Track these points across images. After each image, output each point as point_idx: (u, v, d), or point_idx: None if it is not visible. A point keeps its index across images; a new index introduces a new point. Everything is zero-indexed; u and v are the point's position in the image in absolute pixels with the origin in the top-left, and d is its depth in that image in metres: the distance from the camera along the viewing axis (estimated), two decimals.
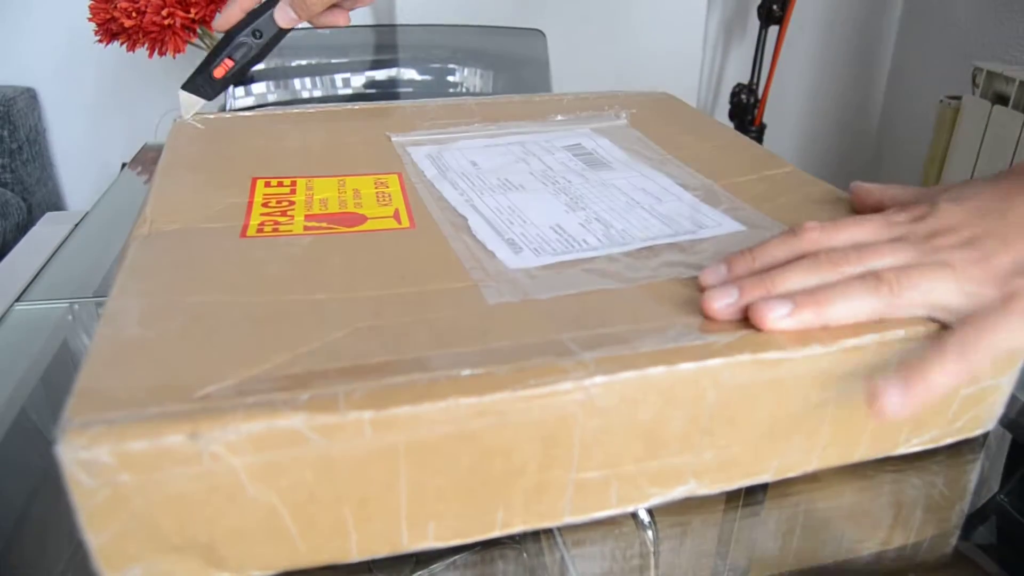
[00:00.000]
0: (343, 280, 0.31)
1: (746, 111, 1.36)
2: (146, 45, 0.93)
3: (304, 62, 0.81)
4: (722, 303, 0.28)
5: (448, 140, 0.48)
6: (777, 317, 0.27)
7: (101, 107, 1.30)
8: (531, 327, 0.28)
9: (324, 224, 0.36)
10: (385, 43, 0.87)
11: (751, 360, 0.27)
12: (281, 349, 0.26)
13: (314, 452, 0.23)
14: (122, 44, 0.95)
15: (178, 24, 0.91)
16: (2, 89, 1.22)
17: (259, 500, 0.24)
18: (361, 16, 1.22)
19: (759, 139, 1.36)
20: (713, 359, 0.26)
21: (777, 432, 0.29)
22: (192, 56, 1.08)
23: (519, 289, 0.31)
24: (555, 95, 0.58)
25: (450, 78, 0.85)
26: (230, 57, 0.49)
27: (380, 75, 0.83)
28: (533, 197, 0.40)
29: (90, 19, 0.94)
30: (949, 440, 0.33)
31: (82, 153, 1.33)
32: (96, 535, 0.23)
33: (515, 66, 0.86)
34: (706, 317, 0.29)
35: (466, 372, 0.25)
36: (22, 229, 1.14)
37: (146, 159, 0.74)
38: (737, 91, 1.38)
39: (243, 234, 0.35)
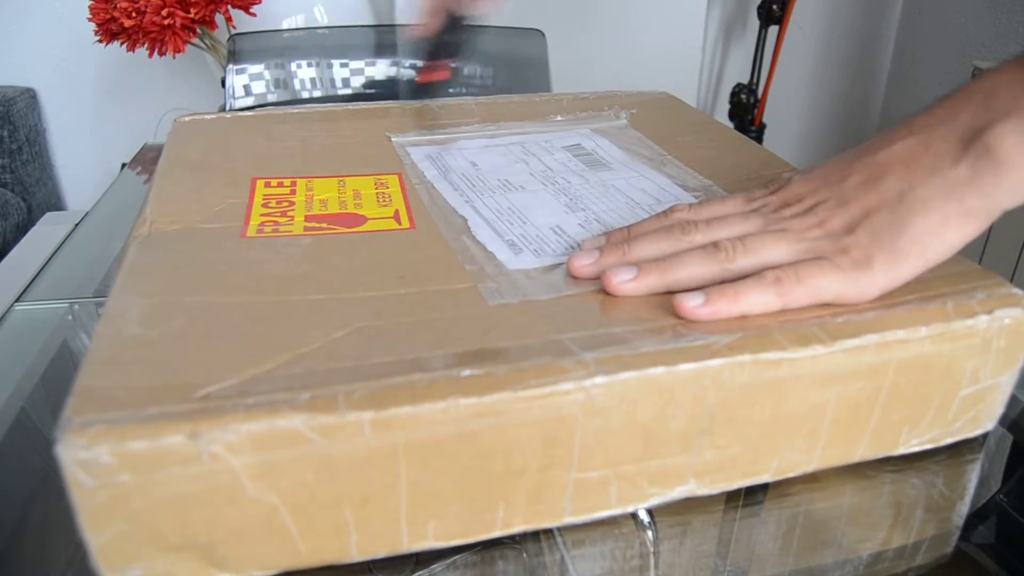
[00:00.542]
0: (343, 280, 0.31)
1: (746, 111, 1.36)
2: (146, 45, 0.93)
3: (304, 62, 0.81)
4: (581, 263, 0.32)
5: (448, 140, 0.48)
6: (621, 281, 0.30)
7: (101, 107, 1.30)
8: (531, 328, 0.28)
9: (324, 224, 0.36)
10: (385, 43, 0.87)
11: (751, 360, 0.27)
12: (281, 349, 0.26)
13: (314, 452, 0.23)
14: (122, 44, 0.95)
15: (178, 24, 0.91)
16: (2, 89, 1.22)
17: (259, 500, 0.24)
18: (361, 16, 1.22)
19: (759, 139, 1.36)
20: (713, 359, 0.27)
21: (777, 432, 0.29)
22: (192, 56, 1.08)
23: (519, 290, 0.31)
24: (555, 95, 0.58)
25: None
26: (442, 59, 0.52)
27: (380, 75, 0.83)
28: (533, 198, 0.40)
29: (90, 19, 0.94)
30: (949, 440, 0.33)
31: (82, 153, 1.33)
32: (96, 535, 0.23)
33: (515, 66, 0.86)
34: (570, 274, 0.32)
35: (466, 372, 0.25)
36: (22, 229, 1.14)
37: (146, 159, 0.74)
38: (737, 91, 1.38)
39: (243, 234, 0.35)
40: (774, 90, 1.37)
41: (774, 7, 1.29)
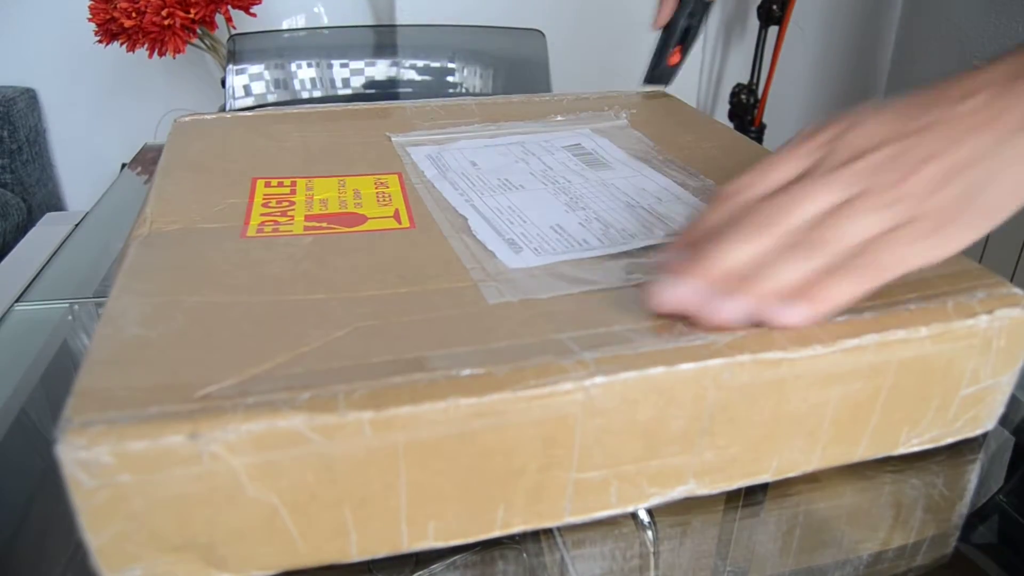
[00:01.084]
0: (343, 280, 0.31)
1: (746, 111, 1.36)
2: (146, 45, 0.93)
3: (304, 62, 0.81)
4: (663, 298, 0.28)
5: (448, 140, 0.48)
6: (724, 321, 0.28)
7: (101, 107, 1.30)
8: (531, 327, 0.28)
9: (324, 224, 0.36)
10: (385, 43, 0.87)
11: (751, 360, 0.27)
12: (281, 349, 0.26)
13: (314, 452, 0.23)
14: (122, 44, 0.95)
15: (178, 24, 0.91)
16: (2, 89, 1.22)
17: (259, 500, 0.24)
18: (361, 16, 1.22)
19: (759, 139, 1.36)
20: (713, 359, 0.27)
21: (777, 432, 0.29)
22: (192, 56, 1.08)
23: (519, 289, 0.31)
24: (555, 95, 0.58)
25: (450, 78, 0.85)
26: (679, 44, 0.57)
27: (380, 75, 0.83)
28: (533, 197, 0.40)
29: (90, 19, 0.94)
30: (949, 440, 0.33)
31: (82, 153, 1.33)
32: (96, 535, 0.23)
33: (515, 66, 0.86)
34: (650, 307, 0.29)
35: (466, 372, 0.25)
36: (22, 229, 1.14)
37: (146, 159, 0.74)
38: (737, 91, 1.38)
39: (243, 234, 0.35)
40: (774, 90, 1.37)
41: (774, 7, 1.29)
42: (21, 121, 1.22)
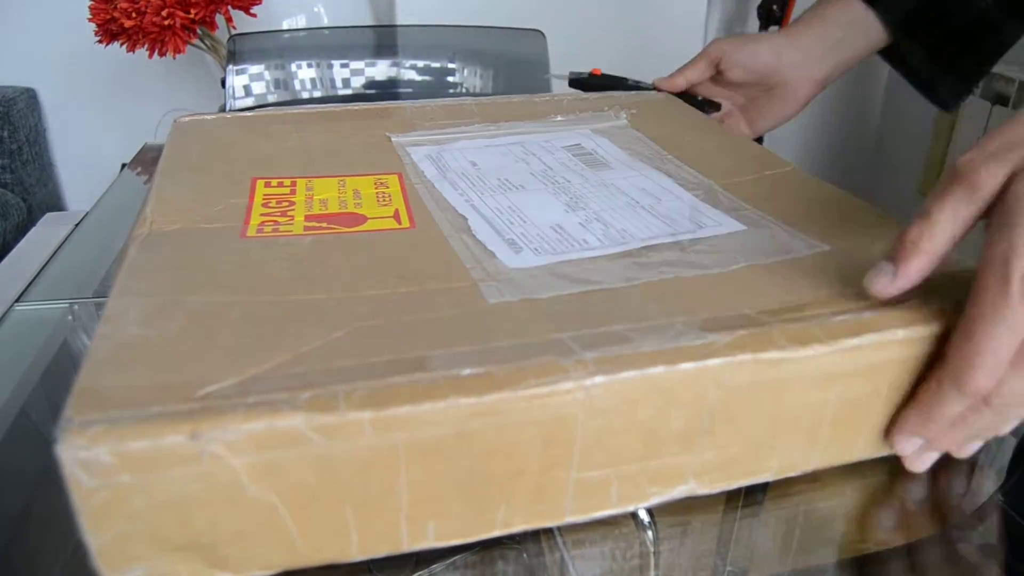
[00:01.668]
0: (343, 280, 0.31)
1: None
2: (146, 46, 0.93)
3: (304, 62, 0.81)
4: (881, 285, 0.28)
5: (448, 140, 0.48)
6: None
7: (101, 107, 1.30)
8: (531, 327, 0.28)
9: (324, 224, 0.36)
10: (385, 43, 0.87)
11: (751, 360, 0.27)
12: (281, 349, 0.26)
13: (314, 452, 0.23)
14: (122, 44, 0.95)
15: (178, 24, 0.91)
16: (2, 89, 1.22)
17: (259, 500, 0.24)
18: (361, 16, 1.22)
19: (759, 139, 1.36)
20: (713, 359, 0.27)
21: (777, 432, 0.29)
22: (192, 56, 1.08)
23: (519, 289, 0.31)
24: (555, 95, 0.58)
25: (450, 78, 0.85)
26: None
27: (380, 75, 0.83)
28: (533, 197, 0.40)
29: (90, 19, 0.95)
30: None
31: (82, 153, 1.33)
32: (96, 536, 0.23)
33: (515, 66, 0.86)
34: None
35: (466, 372, 0.25)
36: (22, 229, 1.14)
37: (146, 159, 0.74)
38: None
39: (243, 234, 0.35)
40: None
41: (774, 7, 1.29)
42: (21, 121, 1.22)
